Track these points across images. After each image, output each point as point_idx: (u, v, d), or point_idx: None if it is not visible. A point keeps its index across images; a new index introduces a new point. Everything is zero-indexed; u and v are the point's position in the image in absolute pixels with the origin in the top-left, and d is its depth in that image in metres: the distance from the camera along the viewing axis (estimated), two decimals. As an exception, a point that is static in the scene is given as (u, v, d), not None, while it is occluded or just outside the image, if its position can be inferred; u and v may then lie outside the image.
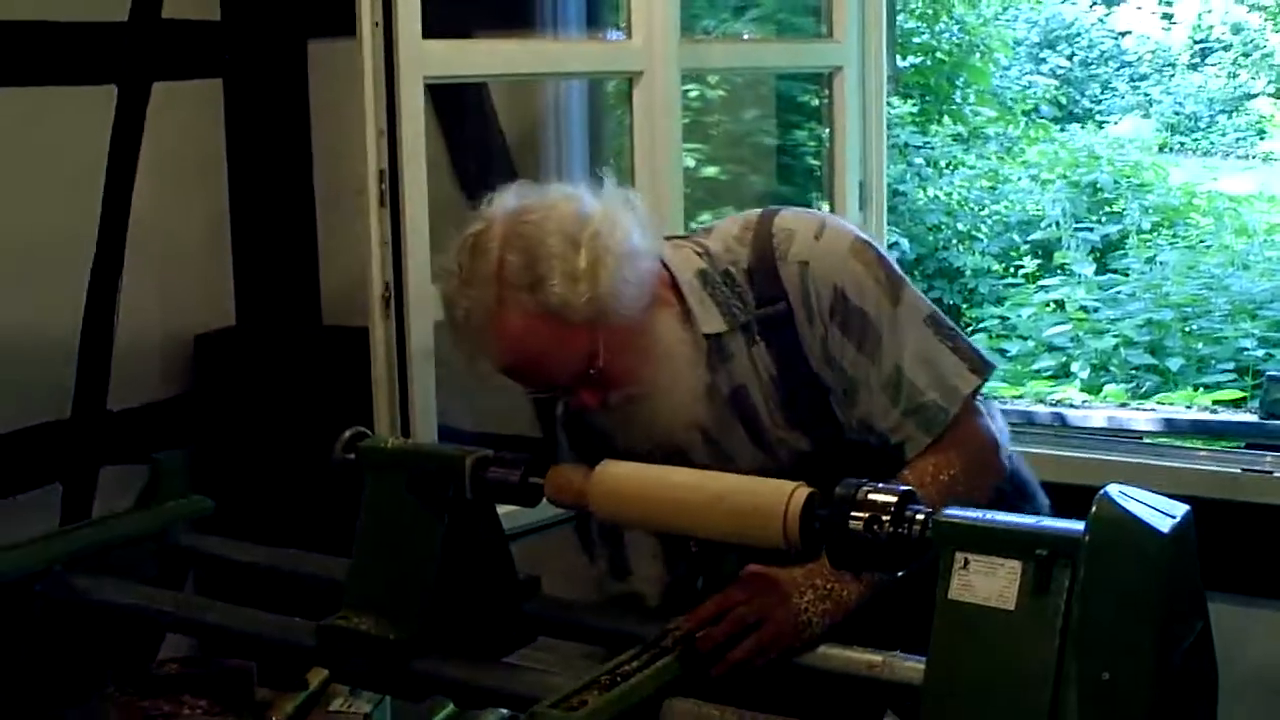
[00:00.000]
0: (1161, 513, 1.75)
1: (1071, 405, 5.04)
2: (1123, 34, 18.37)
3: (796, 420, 2.46)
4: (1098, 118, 15.92)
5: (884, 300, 2.40)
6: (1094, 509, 1.73)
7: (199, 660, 2.82)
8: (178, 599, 2.61)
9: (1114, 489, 1.76)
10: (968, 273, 10.57)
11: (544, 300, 2.26)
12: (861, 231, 2.50)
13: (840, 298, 2.39)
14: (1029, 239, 10.80)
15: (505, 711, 2.40)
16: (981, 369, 2.43)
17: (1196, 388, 7.25)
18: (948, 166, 11.91)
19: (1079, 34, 17.84)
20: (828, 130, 4.20)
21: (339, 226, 4.26)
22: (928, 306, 2.45)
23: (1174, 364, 7.78)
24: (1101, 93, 17.04)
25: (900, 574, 2.00)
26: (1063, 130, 13.82)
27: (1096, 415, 4.63)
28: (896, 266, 2.45)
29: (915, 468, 2.36)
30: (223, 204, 4.35)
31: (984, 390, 2.50)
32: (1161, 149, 14.54)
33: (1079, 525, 1.75)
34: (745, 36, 7.29)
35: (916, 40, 11.89)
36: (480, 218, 2.35)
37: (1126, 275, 9.54)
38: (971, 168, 11.96)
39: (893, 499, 1.92)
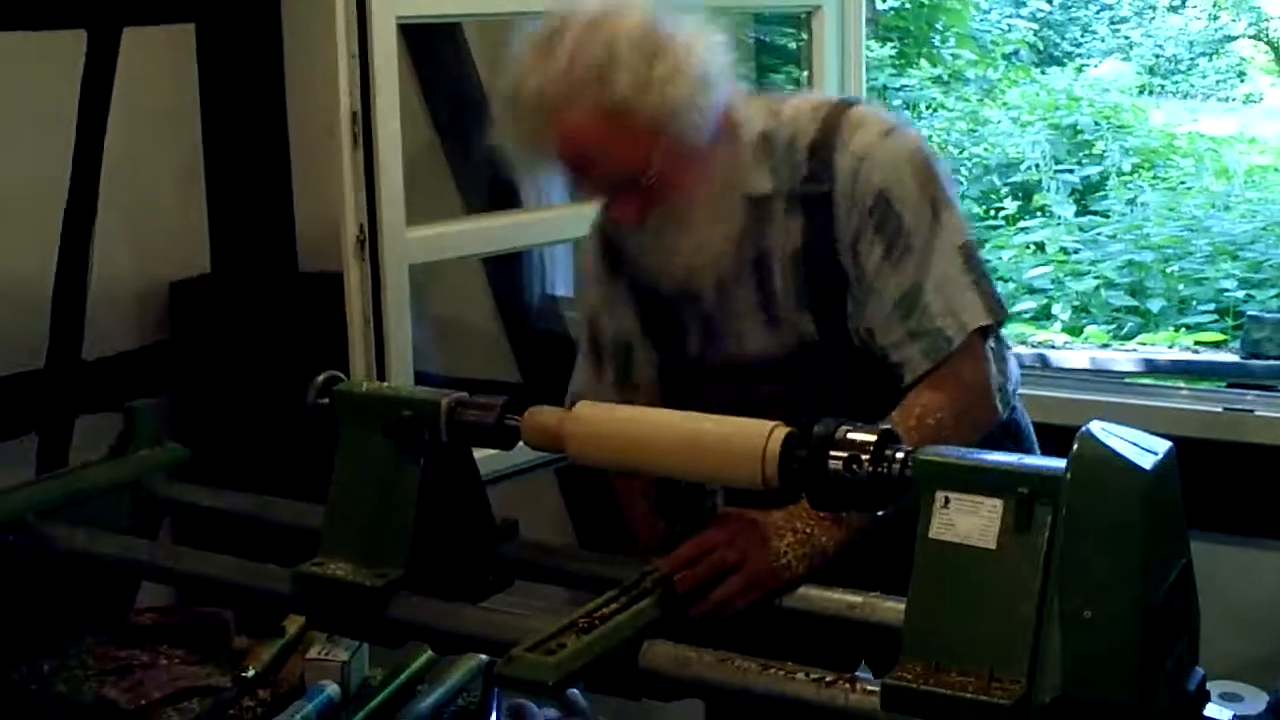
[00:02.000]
0: (1144, 449, 1.74)
1: (1052, 347, 5.04)
2: (1103, -24, 18.31)
3: (808, 302, 2.46)
4: (1077, 61, 15.86)
5: (924, 215, 2.40)
6: (1075, 446, 1.72)
7: (176, 609, 2.80)
8: (153, 548, 2.60)
9: (1096, 426, 1.74)
10: (948, 215, 10.54)
11: (611, 97, 2.26)
12: (928, 147, 2.50)
13: (883, 200, 2.39)
14: (1009, 181, 10.75)
15: (483, 656, 2.39)
16: (996, 312, 2.43)
17: (1178, 329, 7.24)
18: (927, 109, 11.87)
19: (1059, -24, 17.79)
20: (805, 73, 4.17)
21: (314, 172, 4.23)
22: (964, 236, 2.44)
23: (1155, 305, 7.75)
24: (1081, 35, 16.95)
25: (880, 514, 1.98)
26: (1043, 73, 13.76)
27: (1078, 356, 4.62)
28: (950, 190, 2.46)
29: (903, 409, 2.34)
30: (196, 150, 4.32)
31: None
32: (1141, 91, 14.48)
33: (1060, 463, 1.73)
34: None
35: (896, -17, 11.84)
36: (560, 14, 2.34)
37: (1107, 217, 9.50)
38: (951, 110, 11.92)
39: (872, 438, 1.90)
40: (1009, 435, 2.58)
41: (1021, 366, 4.22)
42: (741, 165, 2.44)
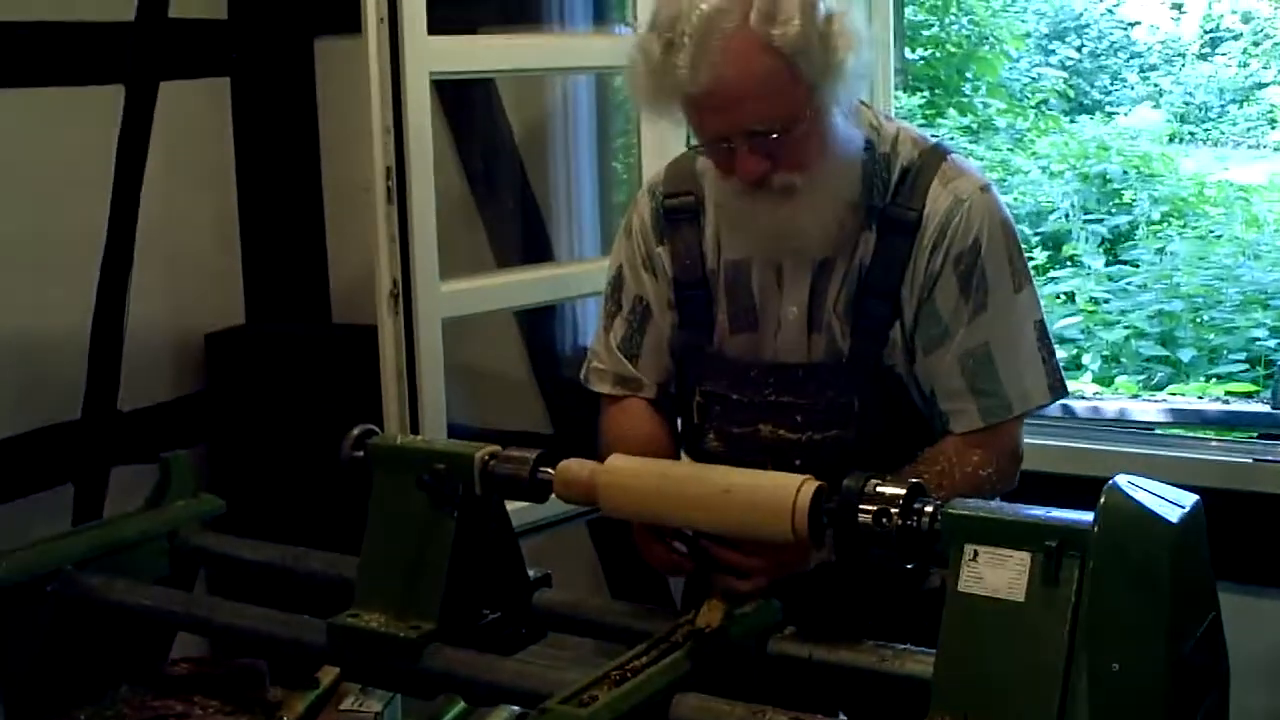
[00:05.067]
0: (1170, 502, 1.75)
1: (1082, 397, 5.02)
2: (1132, 24, 18.28)
3: (854, 319, 2.48)
4: (1107, 109, 15.85)
5: (1009, 281, 2.45)
6: (1102, 499, 1.73)
7: (211, 660, 2.81)
8: (189, 598, 2.61)
9: (1122, 479, 1.75)
10: (978, 265, 10.50)
11: (783, 39, 2.27)
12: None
13: (974, 251, 2.43)
14: (1039, 231, 10.75)
15: (516, 708, 2.40)
16: (1058, 391, 2.49)
17: (1208, 378, 7.22)
18: (958, 159, 11.85)
19: (1088, 25, 17.75)
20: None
21: (348, 224, 4.27)
22: (1039, 312, 2.50)
23: (1185, 355, 7.73)
24: (1111, 84, 16.94)
25: (910, 566, 1.99)
26: (1073, 122, 13.75)
27: (1108, 406, 4.61)
28: (1027, 263, 2.51)
29: (961, 451, 2.42)
30: (232, 202, 4.36)
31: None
32: (1172, 139, 14.45)
33: (1088, 516, 1.75)
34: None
35: (926, 33, 11.85)
36: None
37: (1137, 266, 9.48)
38: (981, 159, 11.92)
39: (901, 491, 1.91)
40: None
41: (1047, 417, 4.26)
42: (848, 164, 2.45)
